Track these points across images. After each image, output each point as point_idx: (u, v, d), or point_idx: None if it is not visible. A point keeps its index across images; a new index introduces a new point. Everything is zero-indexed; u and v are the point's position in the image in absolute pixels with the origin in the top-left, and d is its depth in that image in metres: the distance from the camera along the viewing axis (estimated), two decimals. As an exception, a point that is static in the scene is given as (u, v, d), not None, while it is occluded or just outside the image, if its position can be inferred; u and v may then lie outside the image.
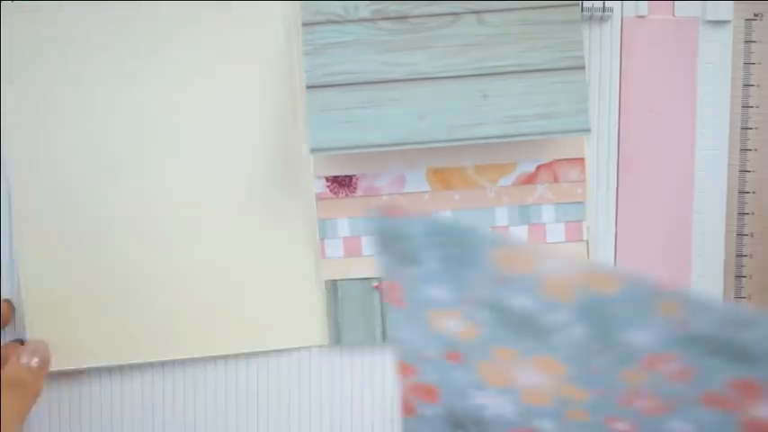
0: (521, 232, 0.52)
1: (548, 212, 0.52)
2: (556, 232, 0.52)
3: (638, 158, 0.52)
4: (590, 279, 0.36)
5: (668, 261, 0.52)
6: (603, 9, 0.51)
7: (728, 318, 0.36)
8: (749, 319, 0.36)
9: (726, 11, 0.51)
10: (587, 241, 0.52)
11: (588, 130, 0.47)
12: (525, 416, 0.44)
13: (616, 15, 0.51)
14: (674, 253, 0.52)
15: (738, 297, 0.53)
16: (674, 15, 0.52)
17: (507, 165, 0.51)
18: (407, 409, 0.44)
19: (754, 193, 0.53)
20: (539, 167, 0.51)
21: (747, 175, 0.53)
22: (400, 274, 0.38)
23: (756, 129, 0.53)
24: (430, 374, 0.42)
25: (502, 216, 0.51)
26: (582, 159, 0.51)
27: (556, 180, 0.51)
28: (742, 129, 0.53)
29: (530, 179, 0.51)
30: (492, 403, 0.44)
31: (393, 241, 0.36)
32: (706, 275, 0.53)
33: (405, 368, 0.42)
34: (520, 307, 0.38)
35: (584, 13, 0.51)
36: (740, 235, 0.53)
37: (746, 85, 0.52)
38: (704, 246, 0.52)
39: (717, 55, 0.52)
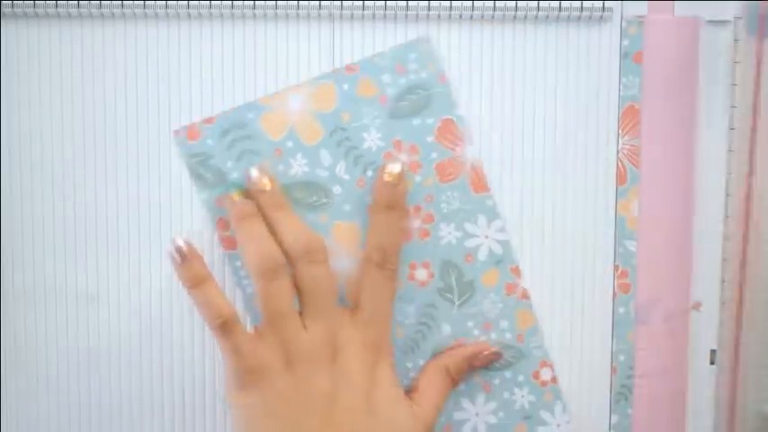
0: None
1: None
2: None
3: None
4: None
5: (668, 261, 0.52)
6: (603, 9, 0.51)
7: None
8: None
9: (726, 11, 0.51)
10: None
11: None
12: None
13: (616, 15, 0.51)
14: (673, 253, 0.52)
15: (738, 298, 0.53)
16: (673, 15, 0.52)
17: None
18: None
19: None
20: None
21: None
22: None
23: (757, 129, 0.53)
24: None
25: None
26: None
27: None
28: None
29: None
30: None
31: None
32: (706, 275, 0.52)
33: None
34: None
35: (584, 13, 0.51)
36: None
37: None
38: (704, 246, 0.52)
39: (717, 55, 0.52)
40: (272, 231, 0.49)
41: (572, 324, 0.53)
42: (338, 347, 0.48)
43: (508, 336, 0.52)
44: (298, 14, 0.51)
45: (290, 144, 0.51)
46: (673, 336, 0.53)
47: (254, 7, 0.51)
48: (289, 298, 0.48)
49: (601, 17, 0.51)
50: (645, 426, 0.53)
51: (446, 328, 0.52)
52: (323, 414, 0.47)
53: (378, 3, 0.51)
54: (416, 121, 0.51)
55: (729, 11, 0.51)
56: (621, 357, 0.53)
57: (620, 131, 0.52)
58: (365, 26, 0.52)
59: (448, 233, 0.52)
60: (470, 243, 0.52)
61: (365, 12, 0.51)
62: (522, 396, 0.53)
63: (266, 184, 0.50)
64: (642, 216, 0.52)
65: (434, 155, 0.51)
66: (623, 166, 0.52)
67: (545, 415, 0.53)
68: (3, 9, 0.51)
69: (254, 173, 0.50)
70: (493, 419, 0.53)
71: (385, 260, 0.50)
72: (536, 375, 0.53)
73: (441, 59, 0.51)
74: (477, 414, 0.53)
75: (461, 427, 0.53)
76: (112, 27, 0.51)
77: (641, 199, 0.52)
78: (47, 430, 0.53)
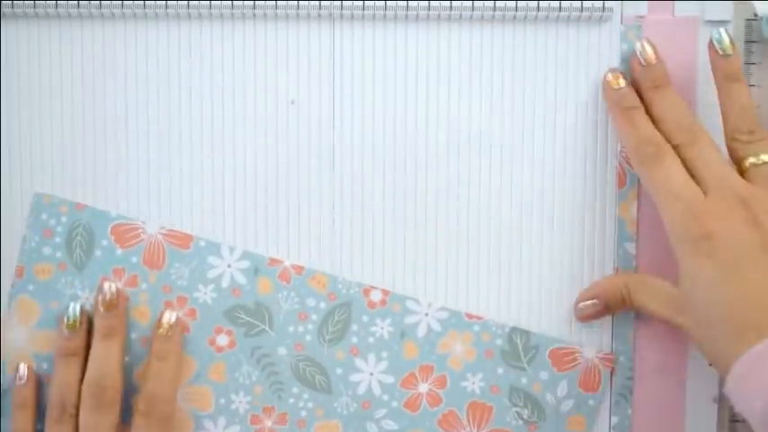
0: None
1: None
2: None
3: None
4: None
5: (667, 261, 0.52)
6: (603, 9, 0.51)
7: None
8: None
9: (726, 11, 0.51)
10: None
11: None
12: None
13: (616, 15, 0.51)
14: (672, 253, 0.52)
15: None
16: (673, 15, 0.52)
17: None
18: None
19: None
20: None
21: (748, 175, 0.53)
22: None
23: (757, 129, 0.53)
24: None
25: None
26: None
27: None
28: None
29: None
30: None
31: None
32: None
33: None
34: None
35: (584, 13, 0.51)
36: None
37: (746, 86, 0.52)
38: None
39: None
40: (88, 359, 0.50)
41: (571, 326, 0.53)
42: None
43: None
44: (298, 14, 0.51)
45: None
46: (673, 336, 0.52)
47: (254, 7, 0.51)
48: None
49: (601, 17, 0.51)
50: (645, 426, 0.53)
51: None
52: None
53: (378, 3, 0.51)
54: None
55: (729, 11, 0.51)
56: (621, 358, 0.53)
57: (619, 131, 0.52)
58: (365, 26, 0.52)
59: None
60: None
61: (365, 12, 0.51)
62: None
63: (111, 303, 0.50)
64: (641, 217, 0.52)
65: None
66: (622, 168, 0.52)
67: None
68: (3, 9, 0.51)
69: (108, 287, 0.50)
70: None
71: (152, 409, 0.49)
72: None
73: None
74: None
75: None
76: (112, 27, 0.51)
77: (641, 200, 0.52)
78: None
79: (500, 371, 0.52)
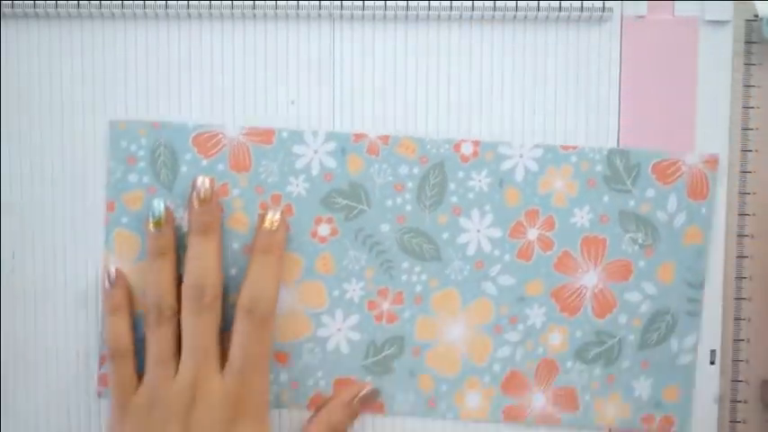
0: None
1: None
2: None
3: (637, 159, 0.52)
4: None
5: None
6: (603, 9, 0.51)
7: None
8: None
9: (726, 11, 0.51)
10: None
11: None
12: None
13: (616, 15, 0.51)
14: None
15: (739, 298, 0.53)
16: (673, 15, 0.52)
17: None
18: None
19: (754, 194, 0.53)
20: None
21: (748, 176, 0.53)
22: None
23: (757, 129, 0.53)
24: None
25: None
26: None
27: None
28: (743, 130, 0.53)
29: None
30: None
31: None
32: (705, 276, 0.52)
33: None
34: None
35: (584, 13, 0.51)
36: (741, 236, 0.53)
37: (747, 86, 0.52)
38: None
39: (717, 55, 0.52)
40: (184, 259, 0.49)
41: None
42: (198, 398, 0.48)
43: None
44: (298, 14, 0.51)
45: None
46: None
47: (254, 7, 0.51)
48: (169, 346, 0.48)
49: (601, 17, 0.51)
50: (645, 426, 0.53)
51: None
52: None
53: (378, 3, 0.51)
54: None
55: (729, 11, 0.51)
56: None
57: (620, 132, 0.52)
58: (365, 26, 0.52)
59: None
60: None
61: (365, 12, 0.51)
62: None
63: (206, 198, 0.49)
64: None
65: None
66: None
67: None
68: (3, 9, 0.51)
69: (201, 181, 0.49)
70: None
71: (255, 307, 0.48)
72: None
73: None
74: None
75: None
76: (112, 27, 0.51)
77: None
78: (46, 428, 0.53)
79: (606, 198, 0.51)
